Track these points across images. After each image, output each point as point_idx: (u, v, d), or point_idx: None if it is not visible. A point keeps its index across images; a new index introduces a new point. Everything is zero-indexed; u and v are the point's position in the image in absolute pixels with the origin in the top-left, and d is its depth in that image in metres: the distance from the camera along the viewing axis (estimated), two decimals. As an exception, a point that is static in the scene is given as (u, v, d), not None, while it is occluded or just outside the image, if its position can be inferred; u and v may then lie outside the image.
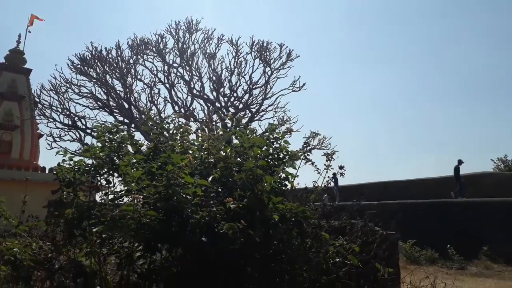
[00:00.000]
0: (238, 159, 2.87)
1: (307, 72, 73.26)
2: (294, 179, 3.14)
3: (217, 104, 22.65)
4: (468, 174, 20.40)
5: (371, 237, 2.88)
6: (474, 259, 13.22)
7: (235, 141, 3.08)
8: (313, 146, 21.45)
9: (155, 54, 21.78)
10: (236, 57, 22.19)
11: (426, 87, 73.13)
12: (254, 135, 2.97)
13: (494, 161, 25.94)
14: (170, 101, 22.15)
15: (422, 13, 71.73)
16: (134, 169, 2.95)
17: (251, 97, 22.74)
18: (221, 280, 2.44)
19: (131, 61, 21.52)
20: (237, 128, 2.99)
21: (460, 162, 19.05)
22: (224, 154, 3.00)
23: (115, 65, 21.26)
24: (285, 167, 2.87)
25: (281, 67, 22.21)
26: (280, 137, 3.04)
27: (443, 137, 66.92)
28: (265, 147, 2.94)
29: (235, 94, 22.71)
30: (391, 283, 3.07)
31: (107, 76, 21.27)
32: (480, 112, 64.73)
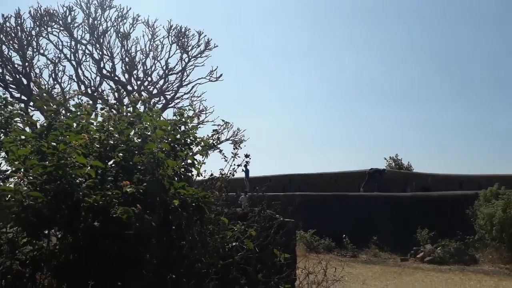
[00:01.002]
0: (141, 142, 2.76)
1: (227, 64, 73.49)
2: (201, 166, 3.11)
3: (129, 87, 21.56)
4: (362, 171, 22.31)
5: (268, 222, 2.97)
6: (365, 248, 14.51)
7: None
8: (226, 138, 21.57)
9: (61, 28, 19.88)
10: (152, 40, 21.27)
11: (335, 86, 77.87)
12: (159, 118, 2.87)
13: (387, 160, 28.86)
14: (76, 80, 20.46)
15: (338, 13, 76.11)
16: (22, 147, 2.67)
17: (167, 83, 22.03)
18: (115, 267, 2.33)
19: (33, 32, 19.38)
20: (142, 110, 2.87)
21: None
22: (126, 136, 2.85)
23: (13, 35, 18.97)
24: (191, 153, 2.83)
25: (199, 55, 21.85)
26: (188, 122, 2.98)
27: (346, 134, 72.13)
28: (172, 132, 2.86)
29: (149, 79, 21.80)
30: (286, 268, 3.21)
31: (3, 47, 18.90)
32: (380, 113, 71.01)
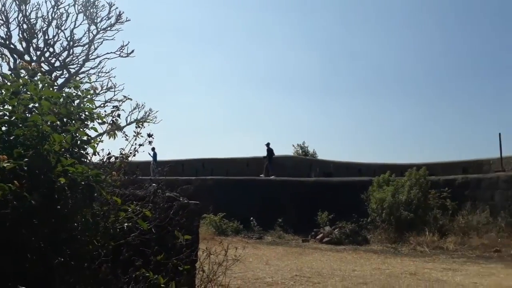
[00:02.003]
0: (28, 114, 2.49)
1: (141, 41, 69.86)
2: (97, 144, 2.92)
3: (27, 57, 19.39)
4: (273, 157, 23.19)
5: (167, 203, 2.92)
6: (271, 230, 15.12)
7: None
8: (137, 119, 20.64)
9: None
10: (56, 7, 19.31)
11: (249, 72, 79.04)
12: (50, 88, 2.61)
13: (295, 146, 30.44)
14: (-40, 45, 17.79)
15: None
16: None
17: (71, 56, 20.20)
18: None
19: None
20: (29, 79, 2.56)
21: (268, 144, 21.47)
22: (10, 107, 2.55)
23: None
24: (84, 128, 2.62)
25: (109, 28, 20.41)
26: (84, 95, 2.76)
27: (258, 120, 73.97)
28: (64, 105, 2.62)
29: (51, 49, 19.79)
30: (187, 250, 3.19)
31: None
32: (291, 101, 73.96)
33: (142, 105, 20.30)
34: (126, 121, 16.62)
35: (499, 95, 62.36)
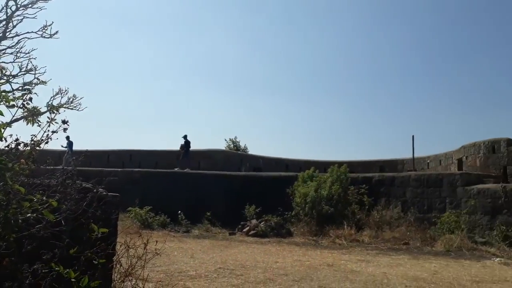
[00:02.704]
0: None
1: (69, 23, 65.13)
2: (4, 130, 2.71)
3: None
4: (204, 150, 23.10)
5: (79, 195, 2.80)
6: (199, 223, 15.07)
7: None
8: (59, 104, 19.30)
9: None
10: (-34, -24, 17.34)
11: (183, 63, 77.69)
12: None
13: (227, 141, 30.67)
14: None
15: (192, -5, 75.45)
16: None
17: (-16, 32, 18.33)
18: None
19: None
20: None
21: (185, 136, 21.22)
22: None
23: None
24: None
25: (30, 5, 18.82)
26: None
27: (191, 113, 73.11)
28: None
29: (-41, 24, 17.77)
30: (103, 243, 3.09)
31: None
32: (224, 96, 74.07)
33: (65, 90, 19.09)
34: (48, 107, 15.54)
35: (414, 100, 68.09)
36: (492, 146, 14.91)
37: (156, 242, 3.85)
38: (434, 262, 9.19)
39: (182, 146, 20.95)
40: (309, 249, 11.07)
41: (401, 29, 66.80)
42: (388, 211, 13.16)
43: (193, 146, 21.74)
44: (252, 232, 13.47)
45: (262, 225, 13.62)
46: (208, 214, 15.13)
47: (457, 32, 64.46)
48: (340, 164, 15.52)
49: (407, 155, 19.87)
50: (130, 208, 14.92)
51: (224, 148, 27.50)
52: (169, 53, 74.94)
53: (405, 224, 12.51)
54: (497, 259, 9.52)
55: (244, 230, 13.81)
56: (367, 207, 13.56)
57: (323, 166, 19.14)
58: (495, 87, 62.83)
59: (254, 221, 14.15)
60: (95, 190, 2.95)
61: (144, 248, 3.71)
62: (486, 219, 11.35)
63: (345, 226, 12.87)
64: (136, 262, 3.70)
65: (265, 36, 73.30)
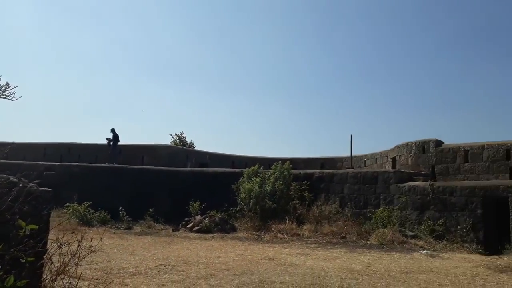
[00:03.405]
0: None
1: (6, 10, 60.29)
2: None
3: None
4: (148, 145, 22.57)
5: (3, 189, 2.68)
6: (142, 220, 14.74)
7: None
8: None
9: None
10: None
11: (133, 58, 75.11)
12: None
13: (172, 136, 30.15)
14: None
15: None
16: None
17: None
18: None
19: None
20: None
21: (113, 130, 20.60)
22: None
23: None
24: None
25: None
26: None
27: (135, 107, 70.91)
28: None
29: None
30: (32, 240, 2.98)
31: None
32: (172, 91, 72.62)
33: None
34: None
35: (353, 102, 71.20)
36: (423, 146, 16.03)
37: (92, 239, 3.76)
38: (368, 255, 9.73)
39: (109, 140, 20.31)
40: (251, 243, 11.26)
41: (340, 31, 69.41)
42: (327, 206, 13.71)
43: (138, 141, 21.18)
44: (196, 228, 13.43)
45: (207, 221, 13.63)
46: (151, 210, 14.85)
47: (391, 35, 68.17)
48: (284, 161, 15.89)
49: (347, 153, 20.77)
50: (68, 204, 14.28)
51: (169, 143, 27.03)
52: (115, 45, 72.03)
53: (342, 219, 13.10)
54: (424, 251, 10.28)
55: (188, 226, 13.73)
56: (307, 202, 14.03)
57: (268, 162, 19.48)
58: (428, 91, 67.39)
59: (198, 217, 14.11)
60: (21, 184, 2.82)
61: (78, 245, 3.61)
62: (415, 214, 12.21)
63: (287, 221, 13.23)
64: (70, 260, 3.59)
65: (214, 32, 72.83)
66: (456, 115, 62.04)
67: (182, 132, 30.57)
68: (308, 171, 15.71)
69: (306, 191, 14.17)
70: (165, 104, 72.92)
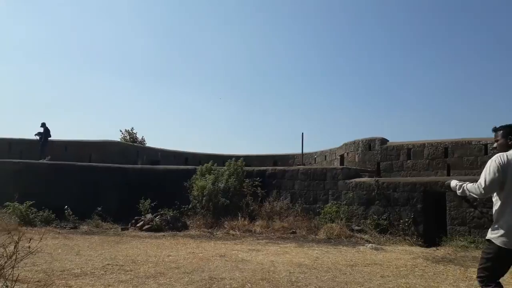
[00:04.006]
0: None
1: None
2: None
3: None
4: (96, 141, 21.76)
5: None
6: (89, 219, 14.22)
7: None
8: None
9: None
10: None
11: (82, 51, 71.83)
12: None
13: (122, 132, 29.21)
14: None
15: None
16: None
17: None
18: None
19: None
20: None
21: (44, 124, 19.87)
22: None
23: None
24: None
25: None
26: None
27: (81, 102, 68.01)
28: None
29: None
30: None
31: None
32: (122, 85, 70.38)
33: None
34: None
35: (305, 100, 72.83)
36: (369, 144, 16.76)
37: (30, 239, 3.60)
38: (316, 249, 10.03)
39: (39, 134, 19.48)
40: (203, 241, 11.23)
41: (293, 29, 70.67)
42: (279, 202, 13.96)
43: (85, 137, 20.37)
44: (146, 226, 13.16)
45: (157, 219, 13.40)
46: (99, 209, 14.38)
47: (341, 35, 70.44)
48: (237, 158, 15.97)
49: (299, 150, 21.24)
50: (7, 203, 13.48)
51: (119, 140, 26.20)
52: (62, 38, 68.51)
53: (293, 215, 13.40)
54: (369, 245, 10.76)
55: (138, 224, 13.43)
56: (260, 198, 14.21)
57: (222, 159, 19.49)
58: (374, 92, 70.37)
59: (149, 216, 13.84)
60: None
61: (15, 246, 3.45)
62: (361, 209, 12.75)
63: (240, 218, 13.33)
64: (6, 262, 3.42)
65: (167, 27, 71.32)
66: (400, 115, 65.39)
67: (132, 128, 29.73)
68: (261, 168, 15.90)
69: (259, 188, 14.33)
70: (115, 99, 70.52)
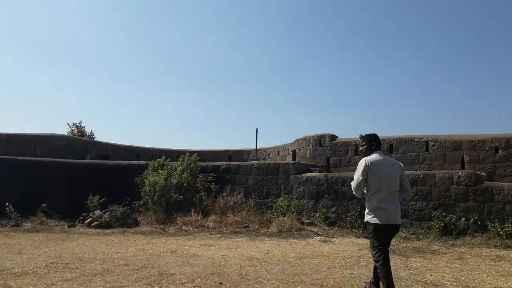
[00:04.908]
0: None
1: None
2: None
3: None
4: (41, 135, 20.70)
5: None
6: (33, 216, 13.58)
7: None
8: None
9: None
10: None
11: (27, 43, 67.66)
12: None
13: (70, 126, 27.91)
14: None
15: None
16: None
17: None
18: None
19: None
20: None
21: None
22: None
23: None
24: None
25: None
26: None
27: (29, 95, 64.29)
28: None
29: None
30: None
31: None
32: (68, 79, 67.15)
33: None
34: None
35: (258, 97, 73.46)
36: (319, 140, 17.27)
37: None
38: (268, 243, 10.22)
39: None
40: (154, 237, 11.08)
41: (250, 24, 70.90)
42: (233, 197, 14.05)
43: (29, 130, 19.26)
44: (95, 223, 12.77)
45: (107, 216, 13.03)
46: (44, 205, 13.76)
47: (294, 34, 71.65)
48: (191, 153, 15.86)
49: (253, 146, 21.43)
50: None
51: (66, 134, 25.06)
52: (5, 28, 64.09)
53: (246, 209, 13.55)
54: (318, 237, 11.12)
55: (86, 221, 13.00)
56: (214, 194, 14.21)
57: (175, 154, 19.24)
58: (327, 88, 72.31)
59: (98, 212, 13.43)
60: None
61: None
62: (311, 203, 13.14)
63: (193, 213, 13.27)
64: None
65: (119, 18, 68.86)
66: (349, 112, 67.67)
67: (81, 121, 28.52)
68: (216, 163, 15.89)
69: (213, 183, 14.32)
70: (63, 91, 67.25)
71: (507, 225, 10.17)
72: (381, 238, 4.46)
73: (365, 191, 4.59)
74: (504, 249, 9.29)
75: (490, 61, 57.97)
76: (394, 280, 4.62)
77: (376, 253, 4.47)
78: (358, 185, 4.53)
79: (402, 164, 4.68)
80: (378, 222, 4.39)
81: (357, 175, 4.54)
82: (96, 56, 71.00)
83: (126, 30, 68.47)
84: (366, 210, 4.61)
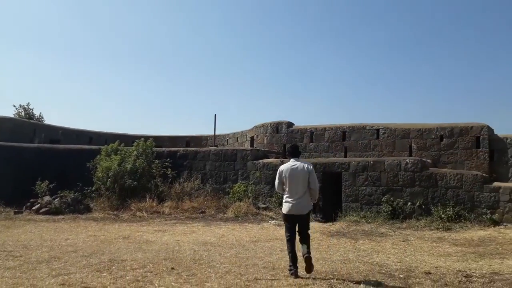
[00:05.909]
0: None
1: None
2: None
3: None
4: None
5: None
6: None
7: None
8: None
9: None
10: None
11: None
12: None
13: (16, 107, 26.24)
14: None
15: None
16: None
17: None
18: None
19: None
20: None
21: None
22: None
23: None
24: None
25: None
26: None
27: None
28: None
29: None
30: None
31: None
32: (15, 56, 63.14)
33: None
34: None
35: (218, 82, 72.96)
36: (276, 127, 17.46)
37: None
38: (223, 227, 10.29)
39: None
40: (107, 223, 10.84)
41: (208, 10, 69.78)
42: (190, 183, 13.95)
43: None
44: (43, 209, 12.27)
45: (57, 202, 12.55)
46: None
47: (258, 23, 71.42)
48: (147, 138, 15.51)
49: (212, 132, 21.29)
50: None
51: (12, 116, 23.65)
52: None
53: (203, 195, 13.52)
54: (273, 221, 11.33)
55: (34, 208, 12.46)
56: (170, 179, 14.04)
57: (130, 139, 18.75)
58: (286, 75, 72.95)
59: (47, 198, 12.90)
60: None
61: None
62: (267, 188, 13.32)
63: (148, 199, 13.06)
64: None
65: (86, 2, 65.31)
66: (305, 100, 68.84)
67: (28, 103, 26.88)
68: (172, 149, 15.66)
69: (169, 169, 14.13)
70: (8, 70, 63.21)
71: (448, 209, 10.84)
72: (289, 223, 5.67)
73: (283, 193, 5.77)
74: (445, 231, 9.91)
75: (438, 52, 60.76)
76: (342, 261, 5.58)
77: (286, 234, 5.71)
78: (277, 186, 5.83)
79: (311, 167, 5.64)
80: (285, 212, 5.64)
81: (276, 179, 5.80)
82: (46, 32, 67.13)
83: (80, 8, 65.03)
84: (283, 204, 5.74)
